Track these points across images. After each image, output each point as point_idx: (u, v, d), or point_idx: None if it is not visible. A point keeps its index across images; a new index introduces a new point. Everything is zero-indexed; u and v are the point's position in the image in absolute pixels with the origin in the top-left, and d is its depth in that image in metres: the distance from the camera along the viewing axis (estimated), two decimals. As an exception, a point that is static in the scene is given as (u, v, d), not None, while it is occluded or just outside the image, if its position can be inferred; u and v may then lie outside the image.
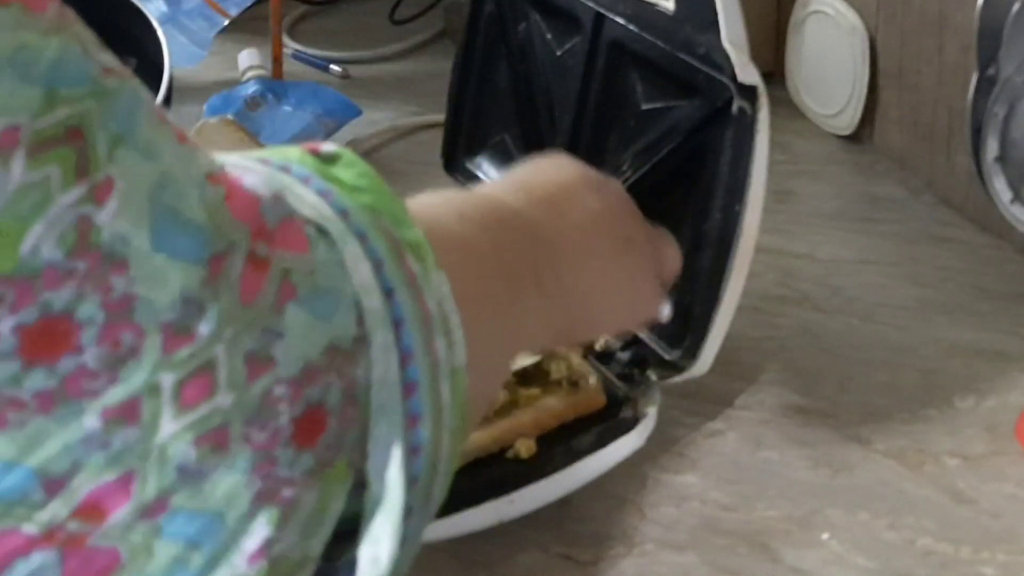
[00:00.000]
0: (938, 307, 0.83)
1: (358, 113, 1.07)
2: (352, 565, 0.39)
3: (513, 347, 0.52)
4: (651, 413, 0.69)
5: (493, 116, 0.88)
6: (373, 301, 0.38)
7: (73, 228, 0.32)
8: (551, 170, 0.60)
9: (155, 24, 1.04)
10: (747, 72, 0.66)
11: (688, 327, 0.70)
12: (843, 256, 0.89)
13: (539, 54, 0.83)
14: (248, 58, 1.14)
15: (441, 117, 0.93)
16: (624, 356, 0.73)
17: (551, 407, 0.67)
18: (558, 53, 0.81)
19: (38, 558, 0.33)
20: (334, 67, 1.21)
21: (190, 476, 0.34)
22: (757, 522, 0.66)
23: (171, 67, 1.04)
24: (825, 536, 0.65)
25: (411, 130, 1.10)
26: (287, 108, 1.05)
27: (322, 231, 0.39)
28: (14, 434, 0.32)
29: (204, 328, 0.34)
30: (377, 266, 0.39)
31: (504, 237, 0.51)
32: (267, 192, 0.38)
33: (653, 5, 0.71)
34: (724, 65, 0.67)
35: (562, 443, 0.66)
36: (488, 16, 0.87)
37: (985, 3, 0.74)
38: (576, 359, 0.70)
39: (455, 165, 0.91)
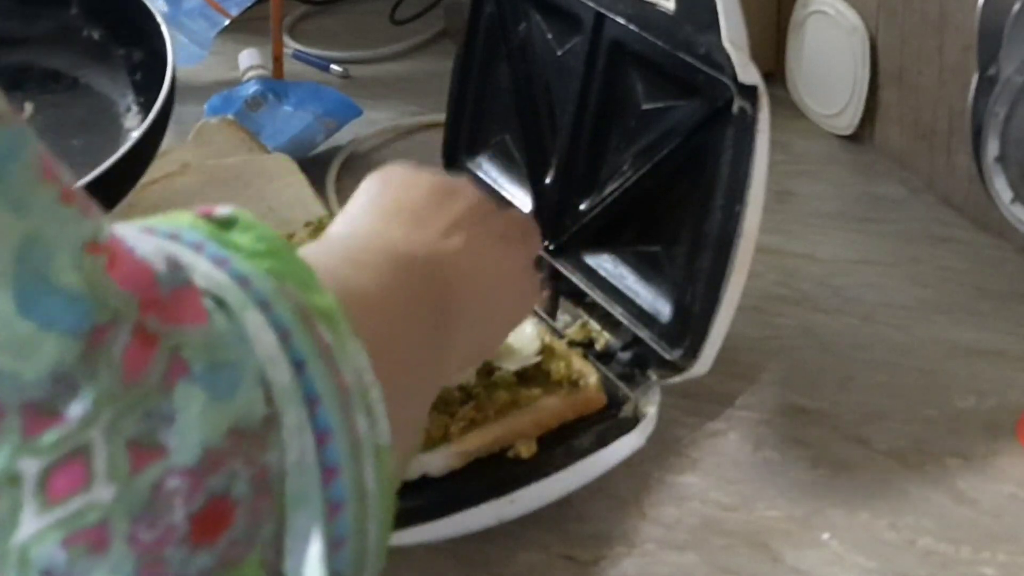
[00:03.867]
0: (938, 307, 0.83)
1: (358, 113, 1.07)
2: None
3: (432, 394, 0.49)
4: (651, 413, 0.69)
5: (493, 116, 0.88)
6: (281, 375, 0.34)
7: None
8: (404, 187, 0.56)
9: (159, 20, 1.04)
10: (747, 72, 0.66)
11: (688, 327, 0.70)
12: (843, 256, 0.89)
13: (539, 54, 0.83)
14: (248, 58, 1.14)
15: (441, 117, 0.93)
16: (624, 356, 0.73)
17: (551, 407, 0.67)
18: (558, 53, 0.81)
19: None
20: (334, 67, 1.21)
21: None
22: (757, 522, 0.66)
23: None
24: (825, 536, 0.65)
25: (411, 130, 1.10)
26: (287, 108, 1.05)
27: (219, 302, 0.35)
28: None
29: (76, 409, 0.30)
30: (284, 336, 0.35)
31: (403, 279, 0.48)
32: (160, 260, 0.34)
33: (653, 5, 0.71)
34: (724, 65, 0.67)
35: (562, 443, 0.66)
36: (488, 16, 0.87)
37: (985, 3, 0.74)
38: (576, 359, 0.70)
39: (455, 165, 0.91)
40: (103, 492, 0.30)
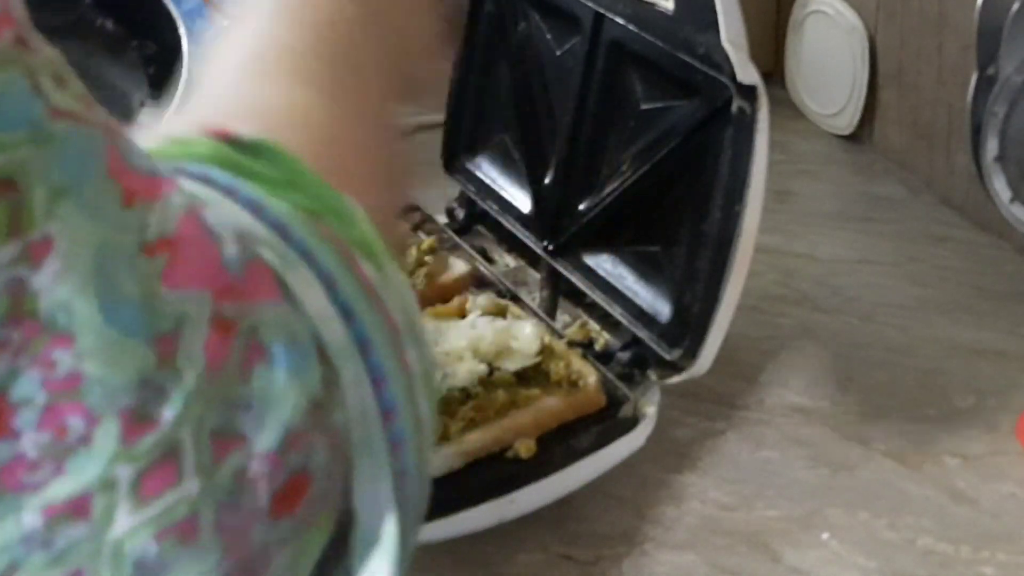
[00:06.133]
0: (938, 307, 0.83)
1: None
2: None
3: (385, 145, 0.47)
4: (651, 413, 0.69)
5: (493, 116, 0.88)
6: (335, 331, 0.34)
7: (5, 292, 0.28)
8: None
9: (174, 13, 1.04)
10: (747, 72, 0.66)
11: (687, 327, 0.70)
12: (843, 256, 0.89)
13: (539, 54, 0.83)
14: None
15: (441, 117, 0.93)
16: (624, 356, 0.73)
17: (551, 407, 0.67)
18: (558, 53, 0.81)
19: None
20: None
21: (149, 571, 0.30)
22: (757, 522, 0.66)
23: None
24: (825, 536, 0.65)
25: (411, 130, 1.10)
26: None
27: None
28: None
29: (168, 413, 0.30)
30: (331, 285, 0.34)
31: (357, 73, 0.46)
32: (229, 233, 0.32)
33: (653, 5, 0.71)
34: (724, 65, 0.67)
35: (562, 443, 0.66)
36: (488, 16, 0.87)
37: (985, 3, 0.74)
38: (576, 359, 0.70)
39: (455, 165, 0.91)
40: (191, 486, 0.30)
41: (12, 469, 0.28)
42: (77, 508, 0.29)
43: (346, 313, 0.34)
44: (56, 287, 0.28)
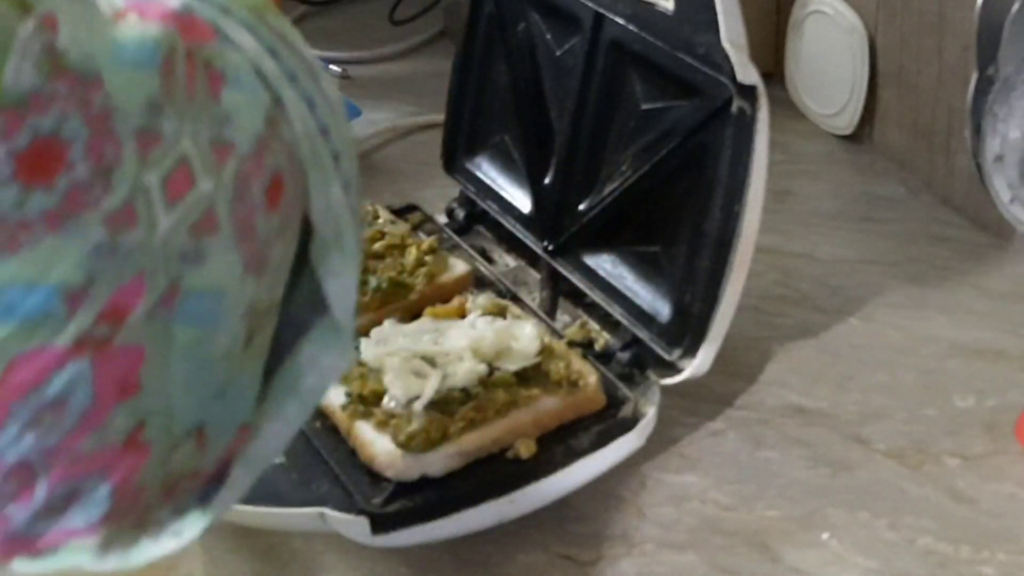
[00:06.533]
0: (938, 307, 0.83)
1: (358, 113, 1.07)
2: (318, 306, 0.44)
3: None
4: (651, 413, 0.69)
5: (493, 116, 0.88)
6: (268, 64, 0.41)
7: (43, 55, 0.34)
8: None
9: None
10: (747, 72, 0.66)
11: (687, 327, 0.70)
12: (843, 256, 0.89)
13: (539, 54, 0.83)
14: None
15: (441, 117, 0.93)
16: (624, 356, 0.73)
17: (551, 407, 0.67)
18: (558, 53, 0.81)
19: (71, 369, 0.36)
20: (334, 67, 1.21)
21: (192, 260, 0.38)
22: (757, 522, 0.66)
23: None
24: (825, 536, 0.65)
25: (411, 130, 1.10)
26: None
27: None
28: (28, 255, 0.35)
29: (168, 127, 0.37)
30: (252, 31, 0.42)
31: None
32: None
33: (653, 5, 0.71)
34: (724, 65, 0.67)
35: (562, 443, 0.66)
36: (488, 16, 0.87)
37: (984, 3, 0.74)
38: (576, 359, 0.70)
39: (455, 165, 0.91)
40: (205, 185, 0.38)
41: (74, 195, 0.35)
42: (127, 216, 0.36)
43: (272, 53, 0.42)
44: (75, 45, 0.35)
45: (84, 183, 0.35)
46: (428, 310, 0.74)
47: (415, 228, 0.86)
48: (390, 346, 0.68)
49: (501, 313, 0.73)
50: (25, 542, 0.39)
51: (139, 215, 0.37)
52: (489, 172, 0.88)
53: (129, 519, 0.41)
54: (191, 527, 0.43)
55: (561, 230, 0.80)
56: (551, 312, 0.79)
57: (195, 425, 0.41)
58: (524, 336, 0.69)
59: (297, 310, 0.44)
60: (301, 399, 0.44)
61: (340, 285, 0.44)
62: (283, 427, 0.44)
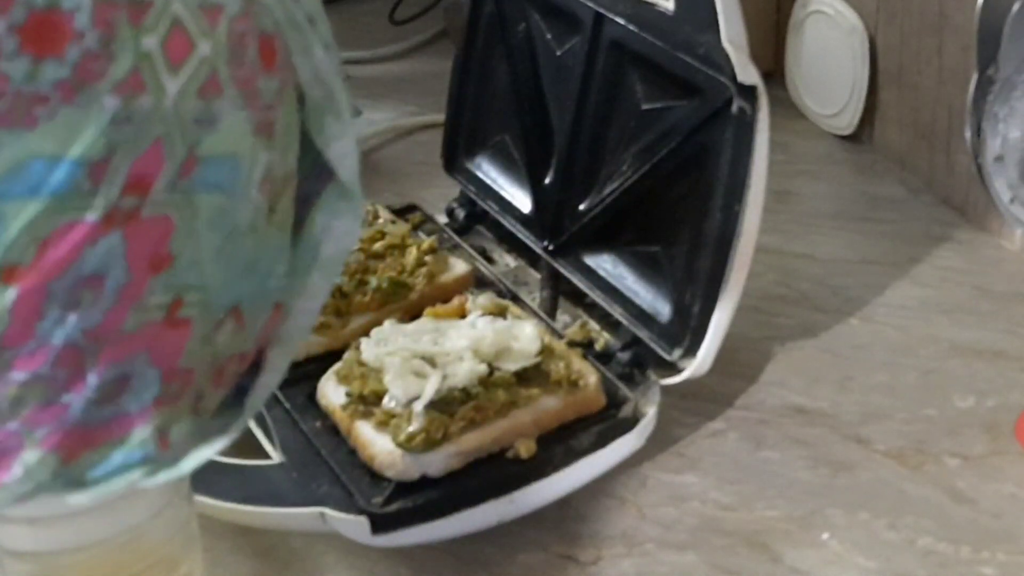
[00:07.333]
0: (938, 307, 0.83)
1: (358, 113, 1.07)
2: (323, 170, 0.45)
3: None
4: (651, 413, 0.69)
5: (493, 116, 0.88)
6: None
7: None
8: None
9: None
10: (747, 72, 0.66)
11: (687, 327, 0.70)
12: (843, 256, 0.89)
13: (539, 54, 0.83)
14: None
15: (441, 117, 0.93)
16: (624, 356, 0.73)
17: (551, 407, 0.67)
18: (558, 53, 0.81)
19: (103, 244, 0.37)
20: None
21: (205, 125, 0.39)
22: (757, 522, 0.66)
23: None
24: (825, 536, 0.65)
25: (411, 130, 1.10)
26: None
27: None
28: (47, 129, 0.35)
29: None
30: None
31: None
32: None
33: (653, 5, 0.71)
34: (724, 65, 0.67)
35: (562, 443, 0.66)
36: (488, 16, 0.87)
37: (985, 3, 0.74)
38: (576, 359, 0.70)
39: (455, 165, 0.91)
40: (204, 48, 0.39)
41: (85, 64, 0.36)
42: (135, 83, 0.37)
43: None
44: None
45: (93, 52, 0.36)
46: (428, 310, 0.74)
47: (415, 228, 0.86)
48: (390, 346, 0.68)
49: (501, 313, 0.73)
50: (85, 434, 0.39)
51: (146, 81, 0.37)
52: (489, 172, 0.88)
53: (182, 403, 0.42)
54: (236, 422, 0.44)
55: (561, 230, 0.80)
56: (551, 312, 0.79)
57: (231, 303, 0.42)
58: (524, 336, 0.69)
59: (301, 185, 0.45)
60: (323, 269, 0.45)
61: (340, 147, 0.45)
62: (310, 302, 0.45)
